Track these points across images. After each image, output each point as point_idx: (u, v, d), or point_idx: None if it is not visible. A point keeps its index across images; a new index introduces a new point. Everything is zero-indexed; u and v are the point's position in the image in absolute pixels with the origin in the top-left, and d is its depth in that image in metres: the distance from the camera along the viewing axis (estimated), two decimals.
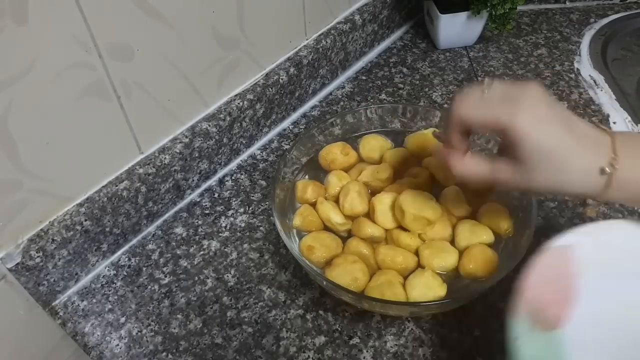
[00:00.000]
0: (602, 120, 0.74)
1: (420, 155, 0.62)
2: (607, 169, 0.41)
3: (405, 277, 0.52)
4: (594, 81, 0.80)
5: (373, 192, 0.59)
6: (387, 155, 0.62)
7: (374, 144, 0.63)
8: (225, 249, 0.62)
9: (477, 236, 0.54)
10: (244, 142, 0.72)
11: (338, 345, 0.53)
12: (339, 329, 0.54)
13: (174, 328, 0.55)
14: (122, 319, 0.57)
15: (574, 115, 0.43)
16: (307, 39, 0.77)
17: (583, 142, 0.42)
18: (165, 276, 0.60)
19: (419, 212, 0.52)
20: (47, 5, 0.45)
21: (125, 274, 0.61)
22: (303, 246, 0.54)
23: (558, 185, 0.43)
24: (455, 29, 0.86)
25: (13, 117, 0.47)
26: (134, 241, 0.64)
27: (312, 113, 0.79)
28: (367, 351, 0.52)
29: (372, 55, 0.89)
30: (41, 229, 0.54)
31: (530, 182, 0.43)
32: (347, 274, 0.51)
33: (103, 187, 0.58)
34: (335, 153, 0.62)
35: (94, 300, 0.58)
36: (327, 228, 0.57)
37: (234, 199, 0.68)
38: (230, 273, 0.60)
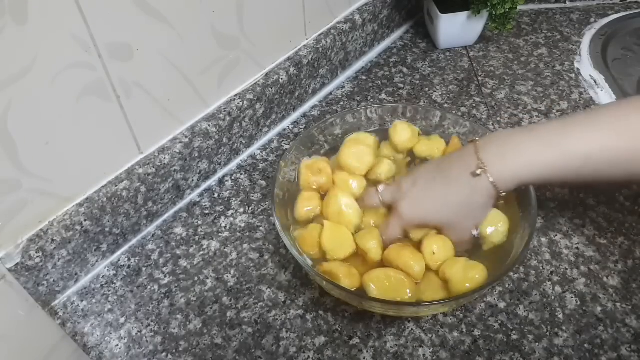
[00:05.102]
0: None
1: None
2: (477, 172, 0.49)
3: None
4: (594, 81, 0.80)
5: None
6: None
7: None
8: (225, 249, 0.62)
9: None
10: (243, 142, 0.72)
11: (338, 345, 0.53)
12: (339, 329, 0.54)
13: (174, 328, 0.55)
14: (122, 319, 0.57)
15: (436, 165, 0.55)
16: (307, 39, 0.77)
17: (450, 173, 0.52)
18: (165, 276, 0.60)
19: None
20: (46, 5, 0.45)
21: (124, 274, 0.61)
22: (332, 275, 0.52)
23: (472, 216, 0.53)
24: (456, 28, 0.86)
25: (13, 117, 0.47)
26: (134, 241, 0.64)
27: (312, 113, 0.79)
28: (367, 351, 0.52)
29: (372, 55, 0.89)
30: (41, 229, 0.54)
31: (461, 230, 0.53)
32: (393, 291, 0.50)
33: (103, 187, 0.58)
34: (307, 174, 0.60)
35: (94, 301, 0.58)
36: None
37: (234, 199, 0.68)
38: (230, 273, 0.60)
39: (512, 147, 0.49)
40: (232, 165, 0.72)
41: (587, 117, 0.49)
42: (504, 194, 0.50)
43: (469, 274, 0.50)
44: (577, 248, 0.59)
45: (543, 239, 0.60)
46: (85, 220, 0.56)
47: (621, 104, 0.51)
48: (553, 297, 0.55)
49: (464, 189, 0.50)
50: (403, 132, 0.62)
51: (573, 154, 0.47)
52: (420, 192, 0.53)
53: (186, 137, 0.63)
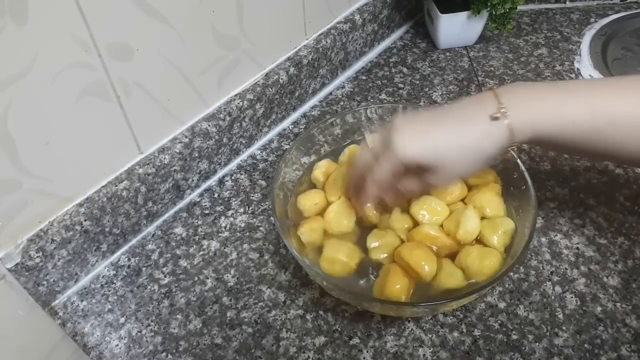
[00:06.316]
0: None
1: None
2: (496, 114, 0.46)
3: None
4: None
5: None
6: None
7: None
8: (225, 249, 0.62)
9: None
10: (243, 142, 0.72)
11: (338, 345, 0.53)
12: (339, 329, 0.54)
13: (174, 328, 0.55)
14: (122, 319, 0.57)
15: (444, 106, 0.50)
16: (307, 39, 0.77)
17: (464, 111, 0.48)
18: (165, 276, 0.60)
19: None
20: (46, 5, 0.45)
21: (124, 274, 0.61)
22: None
23: (472, 158, 0.48)
24: (456, 28, 0.86)
25: (13, 117, 0.47)
26: (134, 241, 0.64)
27: (312, 113, 0.79)
28: (367, 351, 0.52)
29: (372, 55, 0.89)
30: (41, 229, 0.54)
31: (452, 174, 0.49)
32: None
33: (103, 187, 0.58)
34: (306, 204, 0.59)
35: (94, 301, 0.58)
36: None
37: (234, 199, 0.68)
38: (230, 273, 0.60)
39: (537, 94, 0.47)
40: (232, 165, 0.72)
41: (619, 81, 0.48)
42: (514, 146, 0.47)
43: (485, 262, 0.50)
44: (577, 248, 0.59)
45: (543, 239, 0.60)
46: (85, 220, 0.56)
47: None
48: (553, 297, 0.55)
49: (477, 131, 0.47)
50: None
51: (600, 111, 0.45)
52: (425, 126, 0.48)
53: (186, 137, 0.63)
